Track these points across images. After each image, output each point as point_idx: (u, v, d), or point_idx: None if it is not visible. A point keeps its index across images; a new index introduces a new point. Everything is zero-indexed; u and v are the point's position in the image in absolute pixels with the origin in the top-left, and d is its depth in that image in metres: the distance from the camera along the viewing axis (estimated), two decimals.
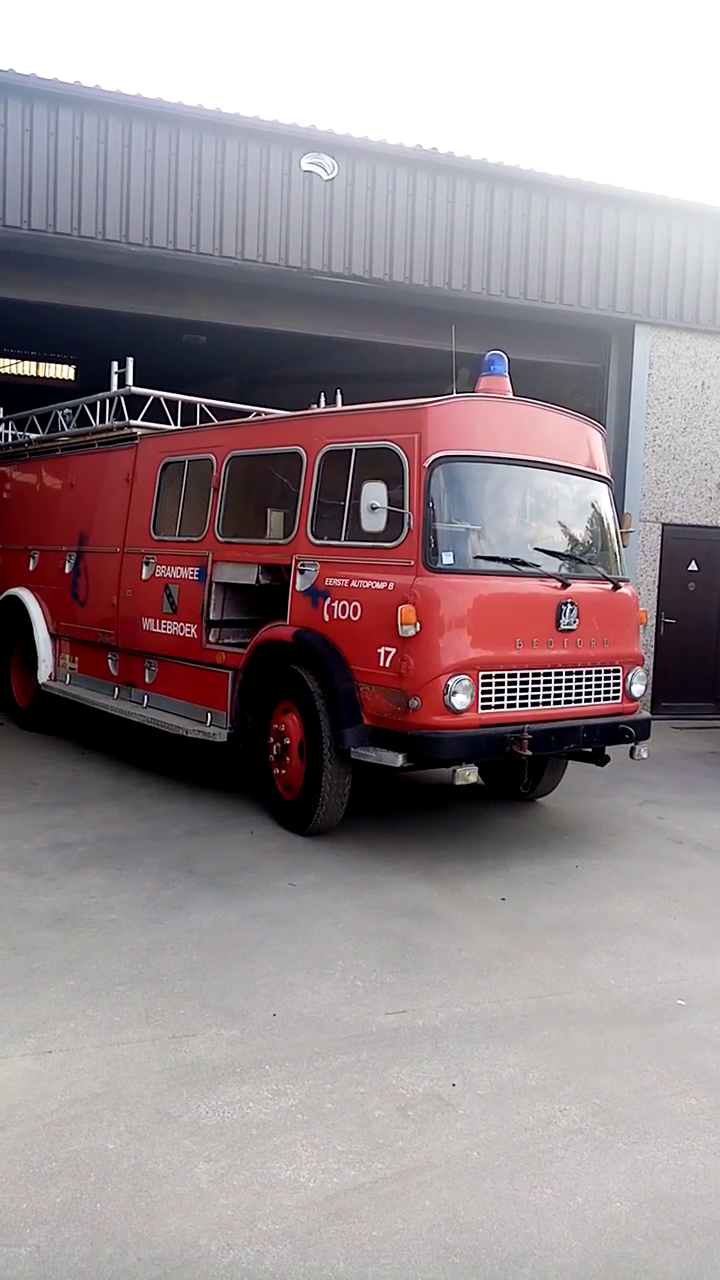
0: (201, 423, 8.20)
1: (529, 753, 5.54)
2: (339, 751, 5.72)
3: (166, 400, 8.23)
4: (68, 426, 9.09)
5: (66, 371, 18.30)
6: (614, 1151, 2.99)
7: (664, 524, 11.86)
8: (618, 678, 6.29)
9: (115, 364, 8.23)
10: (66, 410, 9.18)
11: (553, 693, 5.85)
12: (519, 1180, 2.83)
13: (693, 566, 12.02)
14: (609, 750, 6.48)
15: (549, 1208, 2.71)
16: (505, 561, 5.77)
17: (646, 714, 6.71)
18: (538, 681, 5.76)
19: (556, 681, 5.87)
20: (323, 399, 7.63)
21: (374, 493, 5.49)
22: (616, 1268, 2.50)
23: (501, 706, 5.59)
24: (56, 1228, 2.53)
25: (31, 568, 9.12)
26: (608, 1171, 2.89)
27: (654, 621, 11.85)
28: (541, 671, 5.77)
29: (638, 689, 6.42)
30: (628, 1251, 2.56)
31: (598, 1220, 2.67)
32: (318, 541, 6.09)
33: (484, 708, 5.50)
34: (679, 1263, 2.53)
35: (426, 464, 5.53)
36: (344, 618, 5.78)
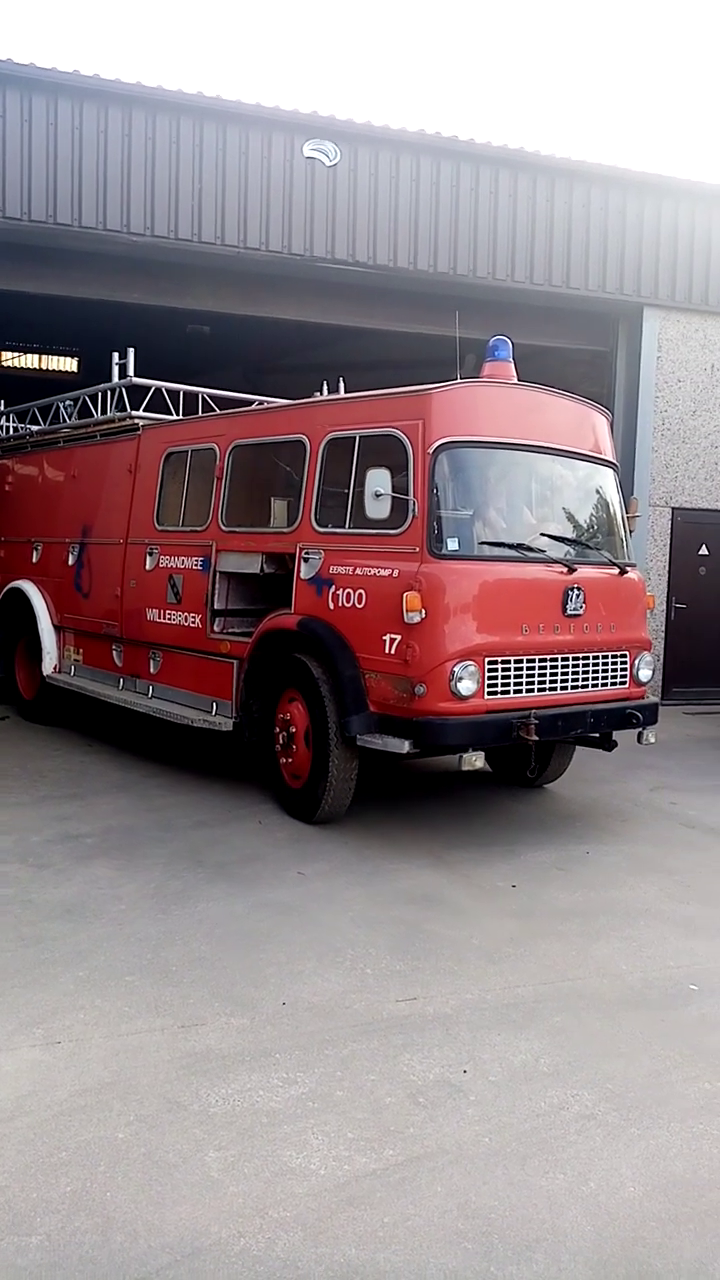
0: (203, 413, 8.17)
1: (536, 738, 5.52)
2: (345, 739, 5.71)
3: (168, 391, 8.21)
4: (69, 418, 9.08)
5: (70, 364, 18.26)
6: (627, 1136, 2.97)
7: (674, 508, 11.78)
8: (625, 662, 6.25)
9: (116, 355, 8.21)
10: (68, 402, 9.17)
11: (559, 678, 5.82)
12: (531, 1166, 2.81)
13: (703, 551, 11.94)
14: (616, 735, 6.44)
15: (561, 1193, 2.69)
16: (510, 547, 5.74)
17: (654, 699, 6.67)
18: (544, 667, 5.73)
19: (563, 667, 5.84)
20: (325, 387, 7.60)
21: (378, 480, 5.46)
22: (630, 1252, 2.48)
23: (508, 692, 5.56)
24: (67, 1216, 2.52)
25: (35, 560, 9.13)
26: (620, 1156, 2.87)
27: (664, 606, 11.79)
28: (548, 657, 5.74)
29: (645, 674, 6.38)
30: (641, 1236, 2.54)
31: (611, 1205, 2.65)
32: (322, 529, 6.07)
33: (490, 693, 5.48)
34: (693, 1246, 2.51)
35: (431, 450, 5.50)
36: (349, 605, 5.76)
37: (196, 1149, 2.82)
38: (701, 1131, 3.01)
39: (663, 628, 11.78)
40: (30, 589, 8.99)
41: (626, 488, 11.28)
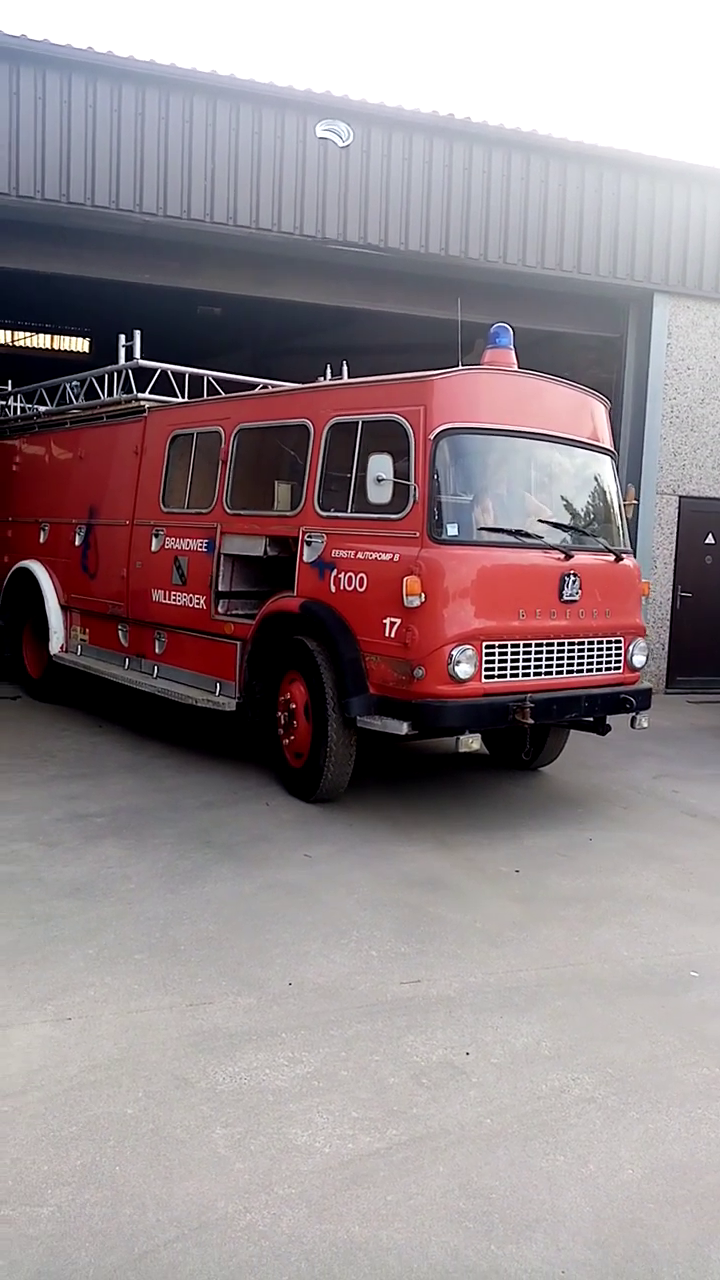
0: (209, 396, 8.19)
1: (531, 721, 5.61)
2: (345, 720, 5.79)
3: (173, 373, 8.22)
4: (76, 399, 9.09)
5: (81, 344, 18.21)
6: (626, 1120, 3.02)
7: (681, 496, 11.75)
8: (619, 648, 6.32)
9: (123, 337, 8.21)
10: (75, 383, 9.18)
11: (555, 663, 5.90)
12: (532, 1147, 2.86)
13: (710, 540, 11.92)
14: (611, 720, 6.53)
15: (561, 1174, 2.74)
16: (509, 533, 5.83)
17: (648, 684, 6.76)
18: (540, 651, 5.81)
19: (559, 652, 5.92)
20: (329, 371, 7.60)
21: (380, 465, 5.52)
22: (628, 1233, 2.53)
23: (505, 676, 5.65)
24: (77, 1189, 2.58)
25: (42, 540, 9.18)
26: (620, 1139, 2.92)
27: (670, 595, 11.78)
28: (544, 642, 5.82)
29: (639, 659, 6.47)
30: (639, 1218, 2.59)
31: (610, 1187, 2.70)
32: (324, 514, 6.12)
33: (487, 677, 5.56)
34: (690, 1228, 2.56)
35: (432, 436, 5.56)
36: (350, 589, 5.82)
37: (204, 1125, 2.87)
38: (700, 1116, 3.06)
39: (667, 616, 11.79)
40: (38, 569, 9.04)
41: (635, 475, 11.33)
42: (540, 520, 6.02)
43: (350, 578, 5.83)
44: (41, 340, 18.03)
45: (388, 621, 5.56)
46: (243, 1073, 3.15)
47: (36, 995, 3.57)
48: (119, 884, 4.68)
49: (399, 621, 5.50)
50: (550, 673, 5.87)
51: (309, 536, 6.16)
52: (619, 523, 6.67)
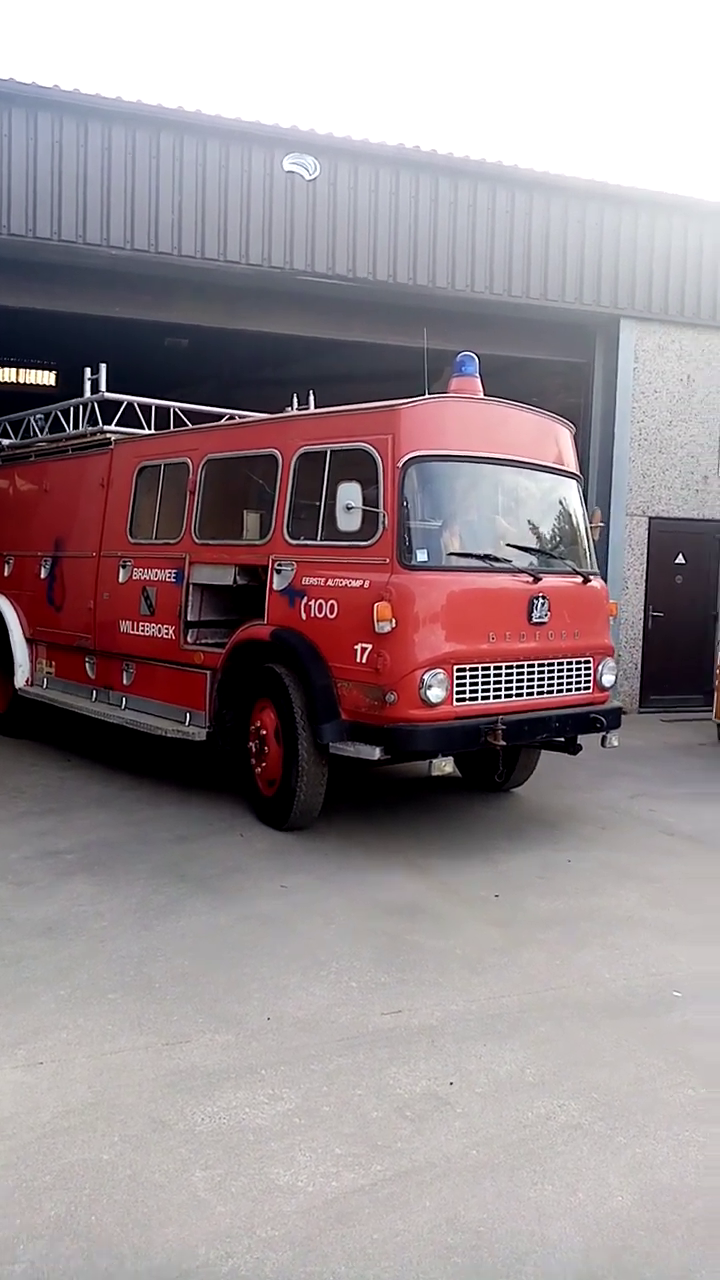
0: (176, 427, 8.19)
1: (503, 743, 5.62)
2: (317, 746, 5.77)
3: (140, 405, 8.22)
4: (41, 432, 9.06)
5: (47, 377, 18.15)
6: (614, 1145, 2.97)
7: (651, 517, 11.87)
8: (589, 668, 6.37)
9: (89, 370, 8.20)
10: (39, 416, 9.15)
11: (525, 684, 5.93)
12: (519, 1177, 2.80)
13: (680, 559, 12.03)
14: (583, 740, 6.54)
15: (550, 1204, 2.69)
16: (478, 558, 5.87)
17: (617, 703, 6.81)
18: (511, 674, 5.84)
19: (529, 673, 5.95)
20: (295, 401, 7.64)
21: (349, 493, 5.56)
22: (619, 1261, 2.48)
23: (476, 699, 5.66)
24: (51, 1242, 2.48)
25: (7, 573, 9.13)
26: (608, 1166, 2.87)
27: (641, 615, 11.86)
28: (514, 664, 5.85)
29: (608, 679, 6.53)
30: (630, 1245, 2.54)
31: (599, 1215, 2.65)
32: (294, 542, 6.12)
33: (459, 700, 5.58)
34: (681, 1254, 2.51)
35: (400, 464, 5.60)
36: (321, 616, 5.82)
37: (183, 1169, 2.79)
38: (688, 1139, 3.01)
39: (640, 637, 11.86)
40: (2, 602, 8.97)
41: (604, 497, 11.43)
42: (508, 544, 6.08)
43: (321, 605, 5.83)
44: (6, 374, 17.96)
45: (359, 647, 5.56)
46: (222, 1112, 3.07)
47: (6, 1040, 3.47)
48: (91, 921, 4.58)
49: (370, 647, 5.50)
50: (521, 694, 5.91)
51: (279, 565, 6.15)
52: (586, 545, 6.75)
